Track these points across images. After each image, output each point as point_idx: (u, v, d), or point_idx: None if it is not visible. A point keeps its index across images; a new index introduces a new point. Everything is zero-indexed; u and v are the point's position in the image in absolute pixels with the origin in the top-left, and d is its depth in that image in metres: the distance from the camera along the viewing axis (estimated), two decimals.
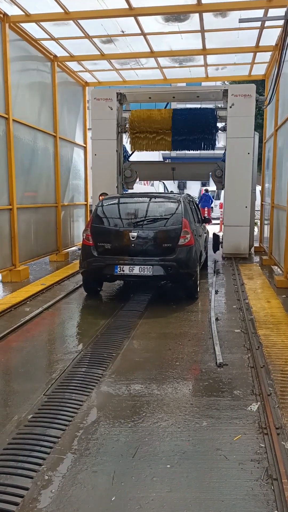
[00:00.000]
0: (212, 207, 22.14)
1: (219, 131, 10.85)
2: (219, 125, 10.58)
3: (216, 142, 10.66)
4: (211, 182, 11.40)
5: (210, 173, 10.98)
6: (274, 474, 2.56)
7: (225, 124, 10.17)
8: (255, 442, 2.90)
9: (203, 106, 10.82)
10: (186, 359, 4.38)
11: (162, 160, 23.69)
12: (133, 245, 6.30)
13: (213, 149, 10.79)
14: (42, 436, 3.01)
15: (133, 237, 6.30)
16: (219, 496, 2.40)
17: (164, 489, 2.47)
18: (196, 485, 2.51)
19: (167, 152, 37.61)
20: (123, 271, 6.30)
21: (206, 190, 22.22)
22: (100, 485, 2.52)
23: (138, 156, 12.06)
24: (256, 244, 12.00)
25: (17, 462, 2.73)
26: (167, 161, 33.96)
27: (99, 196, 10.15)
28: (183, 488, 2.48)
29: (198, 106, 10.82)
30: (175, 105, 12.58)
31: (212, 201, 22.35)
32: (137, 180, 11.29)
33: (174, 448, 2.85)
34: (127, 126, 10.61)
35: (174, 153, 37.02)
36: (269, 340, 4.83)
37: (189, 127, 10.21)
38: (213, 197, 22.85)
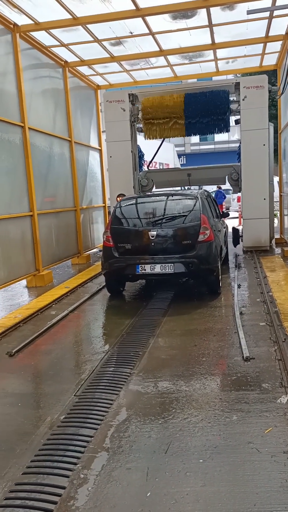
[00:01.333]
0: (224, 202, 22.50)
1: (234, 124, 10.79)
2: (233, 118, 10.52)
3: (230, 124, 10.55)
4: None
5: (226, 177, 10.91)
6: None
7: (239, 116, 10.10)
8: (287, 434, 2.90)
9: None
10: (212, 355, 4.39)
11: (177, 155, 23.64)
12: (153, 244, 6.33)
13: (228, 131, 10.68)
14: (75, 436, 3.08)
15: (152, 236, 6.33)
16: (253, 489, 2.42)
17: (198, 484, 2.50)
18: (230, 478, 2.53)
19: (181, 149, 37.30)
20: (145, 270, 6.34)
21: (219, 187, 22.46)
22: (135, 481, 2.57)
23: (151, 153, 12.07)
24: (277, 236, 11.87)
25: (53, 462, 2.80)
26: (181, 158, 33.94)
27: (117, 197, 10.23)
28: (216, 482, 2.51)
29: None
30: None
31: (225, 197, 22.73)
32: (154, 188, 11.31)
33: (206, 443, 2.88)
34: (139, 115, 10.61)
35: (188, 150, 37.02)
36: None
37: (202, 110, 10.11)
38: (225, 194, 23.16)
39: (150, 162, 12.52)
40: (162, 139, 12.21)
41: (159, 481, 2.55)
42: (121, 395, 3.65)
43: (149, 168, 12.85)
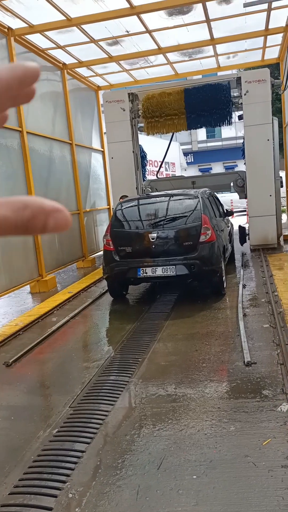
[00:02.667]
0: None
1: (237, 120, 10.60)
2: (236, 113, 10.34)
3: (233, 116, 10.40)
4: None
5: (232, 183, 10.73)
6: None
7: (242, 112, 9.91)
8: (286, 446, 2.76)
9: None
10: (213, 360, 4.25)
11: (182, 154, 23.43)
12: (154, 246, 6.21)
13: (230, 124, 10.54)
14: (67, 452, 2.97)
15: (153, 238, 6.21)
16: (247, 508, 2.29)
17: (190, 503, 2.38)
18: (223, 496, 2.40)
19: (188, 147, 36.75)
20: (146, 273, 6.22)
21: None
22: (125, 501, 2.45)
23: (153, 153, 11.89)
24: (286, 233, 11.62)
25: (41, 480, 2.70)
26: (189, 156, 33.69)
27: (120, 199, 10.11)
28: (210, 500, 2.38)
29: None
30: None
31: None
32: None
33: (200, 457, 2.75)
34: (139, 113, 10.49)
35: (195, 147, 36.69)
36: None
37: (203, 105, 9.96)
38: None
39: (159, 170, 12.46)
40: (170, 140, 12.09)
41: (149, 500, 2.43)
42: (116, 406, 3.53)
43: (158, 176, 12.70)
